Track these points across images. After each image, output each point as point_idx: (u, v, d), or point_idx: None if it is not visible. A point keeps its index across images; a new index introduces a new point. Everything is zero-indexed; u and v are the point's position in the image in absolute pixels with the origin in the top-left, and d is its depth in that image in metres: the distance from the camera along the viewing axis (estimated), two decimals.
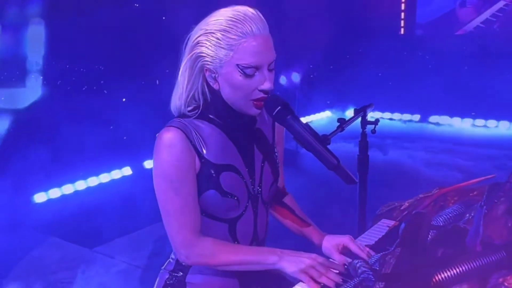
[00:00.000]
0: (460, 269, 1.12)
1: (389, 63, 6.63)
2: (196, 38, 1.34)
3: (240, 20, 1.29)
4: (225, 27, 1.30)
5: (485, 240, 1.18)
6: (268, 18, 1.35)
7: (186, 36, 1.38)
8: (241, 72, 1.31)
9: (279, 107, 1.35)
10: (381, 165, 4.91)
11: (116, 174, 4.79)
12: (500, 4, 6.71)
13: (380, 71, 6.84)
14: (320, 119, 7.19)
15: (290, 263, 1.32)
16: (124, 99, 4.71)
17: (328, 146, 1.35)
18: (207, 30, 1.32)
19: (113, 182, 4.73)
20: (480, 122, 6.65)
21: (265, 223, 1.54)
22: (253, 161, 1.47)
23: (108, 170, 4.74)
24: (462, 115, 6.72)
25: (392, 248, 1.27)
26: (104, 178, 4.71)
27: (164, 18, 4.91)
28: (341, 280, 1.29)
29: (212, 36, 1.31)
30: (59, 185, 4.37)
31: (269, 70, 1.34)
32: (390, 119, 7.16)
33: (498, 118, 6.54)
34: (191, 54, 1.35)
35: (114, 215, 3.80)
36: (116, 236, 3.72)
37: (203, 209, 1.41)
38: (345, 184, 1.37)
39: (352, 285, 1.27)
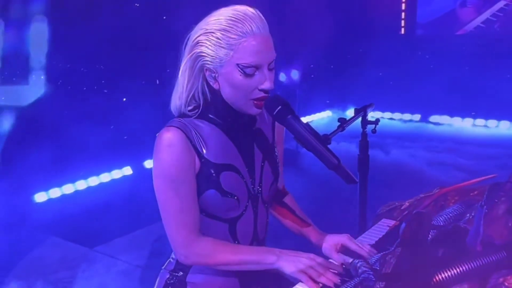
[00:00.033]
0: (461, 269, 1.12)
1: (389, 63, 6.62)
2: (196, 37, 1.34)
3: (240, 20, 1.29)
4: (225, 26, 1.30)
5: (485, 240, 1.18)
6: (269, 18, 1.35)
7: (186, 36, 1.38)
8: (241, 72, 1.31)
9: (280, 107, 1.34)
10: (382, 164, 4.91)
11: (117, 173, 4.79)
12: (500, 4, 6.70)
13: (381, 70, 6.84)
14: (321, 118, 7.19)
15: (289, 263, 1.32)
16: (124, 99, 4.71)
17: (329, 146, 1.35)
18: (207, 29, 1.32)
19: (113, 181, 4.74)
20: (480, 122, 6.65)
21: (265, 222, 1.54)
22: (253, 161, 1.47)
23: (109, 170, 4.74)
24: (463, 115, 6.72)
25: (393, 248, 1.26)
26: (105, 177, 4.71)
27: (164, 18, 4.91)
28: (339, 280, 1.29)
29: (212, 35, 1.31)
30: (60, 184, 4.37)
31: (269, 70, 1.34)
32: (391, 118, 7.16)
33: (499, 118, 6.54)
34: (191, 54, 1.35)
35: (115, 215, 3.80)
36: (117, 236, 3.72)
37: (203, 209, 1.41)
38: (346, 184, 1.37)
39: (352, 285, 1.27)
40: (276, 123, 1.55)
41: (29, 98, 4.18)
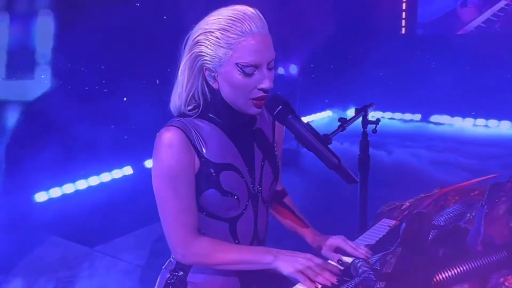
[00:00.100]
0: (461, 269, 1.12)
1: (390, 63, 6.62)
2: (196, 37, 1.34)
3: (239, 19, 1.29)
4: (224, 26, 1.30)
5: (486, 240, 1.18)
6: (269, 18, 1.34)
7: (186, 36, 1.38)
8: (240, 71, 1.31)
9: (280, 107, 1.35)
10: (382, 164, 4.92)
11: (117, 173, 4.79)
12: (501, 4, 6.70)
13: (381, 70, 6.84)
14: (321, 118, 7.19)
15: (286, 263, 1.32)
16: (125, 99, 4.71)
17: (330, 146, 1.35)
18: (206, 29, 1.32)
19: (114, 181, 4.74)
20: (481, 121, 6.65)
21: (265, 222, 1.54)
22: (253, 160, 1.46)
23: (109, 169, 4.74)
24: (463, 114, 6.72)
25: (393, 248, 1.26)
26: (105, 177, 4.71)
27: (164, 17, 4.91)
28: (336, 280, 1.29)
29: (212, 35, 1.31)
30: (60, 184, 4.37)
31: (269, 69, 1.34)
32: (391, 118, 7.16)
33: (499, 117, 6.53)
34: (190, 54, 1.35)
35: (115, 215, 3.80)
36: (117, 236, 3.72)
37: (203, 208, 1.41)
38: (346, 184, 1.37)
39: (353, 285, 1.27)
40: (277, 122, 1.55)
41: (35, 93, 4.17)
